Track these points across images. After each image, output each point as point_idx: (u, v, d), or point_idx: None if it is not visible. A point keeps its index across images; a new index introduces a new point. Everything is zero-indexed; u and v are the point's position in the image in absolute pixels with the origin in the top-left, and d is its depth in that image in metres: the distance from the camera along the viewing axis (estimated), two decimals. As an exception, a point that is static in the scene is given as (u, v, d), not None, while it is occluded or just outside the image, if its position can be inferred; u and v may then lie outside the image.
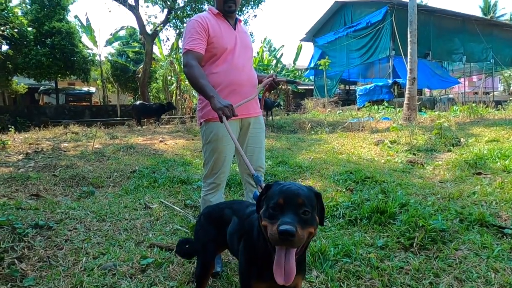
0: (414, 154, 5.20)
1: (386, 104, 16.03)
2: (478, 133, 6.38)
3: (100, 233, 2.64)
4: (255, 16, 16.42)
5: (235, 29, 2.17)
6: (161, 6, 15.19)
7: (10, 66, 16.70)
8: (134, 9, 14.75)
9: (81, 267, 2.14)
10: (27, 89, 20.47)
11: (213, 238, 1.57)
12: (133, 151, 6.15)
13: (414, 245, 2.30)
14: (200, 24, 2.02)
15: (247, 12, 14.51)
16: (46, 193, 3.84)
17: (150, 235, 2.64)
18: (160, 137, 7.89)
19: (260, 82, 2.27)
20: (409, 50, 10.62)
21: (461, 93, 21.71)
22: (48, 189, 3.98)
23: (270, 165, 4.64)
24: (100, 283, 1.96)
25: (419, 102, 14.25)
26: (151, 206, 3.21)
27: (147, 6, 18.95)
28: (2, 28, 8.30)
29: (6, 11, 14.36)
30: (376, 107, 16.11)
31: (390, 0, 16.79)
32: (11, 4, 15.60)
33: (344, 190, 3.52)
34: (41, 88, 22.73)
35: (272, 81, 2.18)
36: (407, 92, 10.61)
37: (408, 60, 10.66)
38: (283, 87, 22.07)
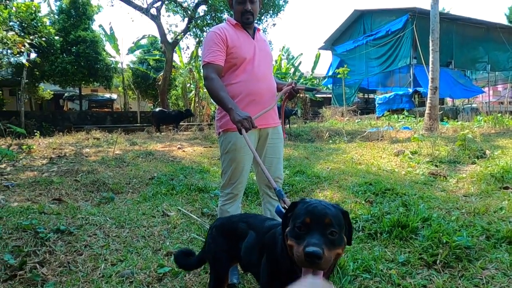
0: (436, 166, 5.05)
1: (406, 113, 15.74)
2: (505, 145, 6.14)
3: (118, 240, 2.67)
4: (274, 24, 16.52)
5: (253, 38, 2.18)
6: (181, 15, 15.52)
7: (37, 73, 17.39)
8: (156, 18, 15.12)
9: (99, 274, 2.16)
10: (52, 95, 21.24)
11: (226, 250, 1.55)
12: (152, 158, 6.24)
13: (438, 262, 2.21)
14: (218, 35, 2.04)
15: (266, 21, 14.62)
16: (67, 197, 3.93)
17: (167, 243, 2.66)
18: (178, 144, 7.98)
19: (279, 90, 2.27)
20: (430, 59, 10.42)
21: (485, 102, 21.05)
22: (70, 194, 4.08)
23: (287, 174, 4.60)
24: (117, 290, 1.97)
25: (441, 112, 13.90)
26: (168, 213, 3.23)
27: (168, 16, 19.49)
28: (31, 37, 8.64)
29: (35, 20, 15.02)
30: (395, 116, 15.82)
31: (412, 8, 16.57)
32: (40, 14, 16.30)
33: (363, 202, 3.44)
34: (66, 94, 23.53)
35: (291, 89, 2.17)
36: (428, 101, 10.37)
37: (430, 69, 10.45)
38: (301, 95, 22.07)
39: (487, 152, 5.31)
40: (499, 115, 10.93)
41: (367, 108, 22.48)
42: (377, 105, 18.90)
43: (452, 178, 4.34)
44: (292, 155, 6.41)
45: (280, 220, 1.33)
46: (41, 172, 5.06)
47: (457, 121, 12.43)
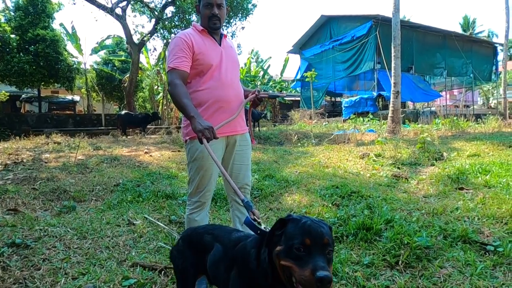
0: (398, 168, 5.27)
1: (371, 116, 16.33)
2: (460, 147, 6.54)
3: (80, 252, 2.55)
4: (242, 28, 16.54)
5: (220, 45, 2.17)
6: (148, 16, 15.18)
7: (-9, 73, 16.28)
8: (121, 18, 14.69)
9: (59, 289, 2.05)
10: (8, 97, 19.98)
11: (192, 263, 1.52)
12: (117, 163, 6.03)
13: (400, 263, 2.30)
14: (184, 41, 2.01)
15: (235, 24, 14.64)
16: (24, 207, 3.71)
17: (133, 253, 2.57)
18: (145, 148, 7.78)
19: (245, 97, 2.27)
20: (393, 65, 10.90)
21: (443, 106, 22.31)
22: (27, 203, 3.84)
23: (256, 179, 4.61)
24: (79, 306, 1.88)
25: (403, 115, 14.55)
26: (134, 222, 3.13)
27: (135, 16, 18.96)
28: (-17, 35, 8.08)
29: (-12, 17, 14.08)
30: (361, 119, 16.39)
31: (375, 16, 17.25)
32: (-7, 11, 15.32)
33: (330, 205, 3.52)
34: (23, 96, 22.22)
35: (255, 97, 2.17)
36: (391, 105, 10.84)
37: (392, 74, 10.93)
38: (270, 100, 22.30)
39: (445, 154, 5.63)
40: (455, 118, 11.64)
41: (334, 111, 23.09)
42: (343, 108, 19.48)
43: (413, 179, 4.56)
44: (262, 159, 6.44)
45: (249, 231, 1.32)
46: (-6, 180, 4.74)
47: (418, 124, 13.06)
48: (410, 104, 22.48)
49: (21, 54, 16.44)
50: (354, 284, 2.13)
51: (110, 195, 4.19)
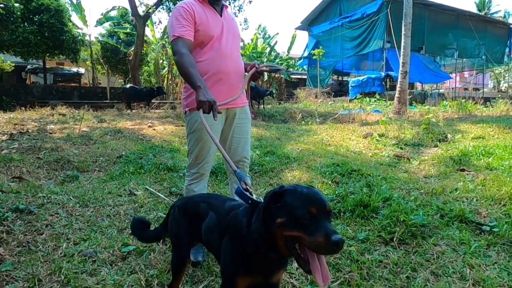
0: (401, 148, 5.25)
1: (377, 97, 16.12)
2: (465, 129, 6.47)
3: (82, 219, 2.61)
4: (250, 1, 16.13)
5: (221, 16, 2.12)
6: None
7: (-4, 43, 16.19)
8: (126, -11, 14.34)
9: (61, 253, 2.12)
10: (13, 67, 19.92)
11: (187, 231, 1.55)
12: (120, 136, 6.07)
13: (395, 239, 2.33)
14: (186, 10, 1.97)
15: (242, -3, 14.26)
16: (29, 176, 3.78)
17: (133, 222, 2.63)
18: (149, 122, 7.80)
19: (246, 71, 2.24)
20: (402, 44, 10.63)
21: (452, 88, 21.92)
22: (32, 171, 3.92)
23: (258, 154, 4.63)
24: (79, 269, 1.95)
25: (410, 96, 14.34)
26: (135, 192, 3.18)
27: (140, -13, 18.47)
28: (-14, 3, 7.97)
29: (-9, -15, 13.85)
30: (367, 99, 16.19)
31: (387, -8, 16.69)
32: (-3, -22, 15.05)
33: (330, 182, 3.54)
34: (29, 67, 22.15)
35: (255, 70, 2.14)
36: (398, 85, 10.66)
37: (401, 53, 10.68)
38: (276, 75, 21.98)
39: (449, 136, 5.58)
40: (463, 100, 11.44)
41: (340, 90, 22.80)
42: (350, 87, 19.20)
43: (415, 160, 4.54)
44: (264, 136, 6.44)
45: (240, 200, 1.34)
46: (0, 149, 4.80)
47: (425, 106, 12.90)
48: (418, 85, 22.08)
49: (25, 24, 16.24)
50: (348, 258, 2.17)
51: (112, 166, 4.24)
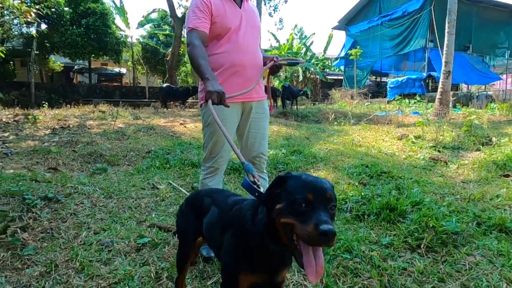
0: (439, 151, 4.92)
1: (418, 98, 15.35)
2: (513, 133, 5.95)
3: (105, 210, 2.68)
4: (285, 1, 16.03)
5: (241, 7, 2.07)
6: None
7: (47, 44, 17.39)
8: (165, -9, 14.81)
9: (80, 241, 2.17)
10: (63, 68, 21.31)
11: (192, 226, 1.51)
12: (152, 132, 6.24)
13: (422, 246, 2.16)
14: (203, 2, 1.94)
15: (278, -3, 14.19)
16: (64, 167, 3.97)
17: (153, 215, 2.66)
18: (181, 120, 7.96)
19: (265, 64, 2.17)
20: (445, 42, 10.04)
21: (502, 90, 20.36)
22: (67, 163, 4.12)
23: (284, 153, 4.54)
24: (95, 258, 1.98)
25: (454, 98, 13.53)
26: (158, 186, 3.23)
27: (179, -11, 19.04)
28: (36, 7, 8.56)
29: (44, -10, 14.87)
30: (407, 101, 15.47)
31: (431, -12, 15.87)
32: (49, -16, 16.12)
33: (356, 184, 3.38)
34: (76, 67, 23.58)
35: (273, 64, 2.07)
36: (440, 86, 10.08)
37: (444, 52, 10.09)
38: (312, 76, 21.65)
39: (494, 139, 5.15)
40: (514, 103, 10.57)
41: (378, 91, 22.02)
42: (388, 88, 18.47)
43: (453, 164, 4.23)
44: (293, 135, 6.33)
45: (247, 194, 1.28)
46: (42, 142, 5.11)
47: (470, 108, 12.08)
48: (464, 86, 20.75)
49: (73, 26, 17.31)
50: (368, 263, 2.03)
51: (141, 160, 4.36)
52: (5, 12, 10.85)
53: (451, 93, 12.25)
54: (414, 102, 14.73)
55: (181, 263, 1.56)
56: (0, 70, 18.23)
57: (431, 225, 2.30)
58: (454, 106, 12.68)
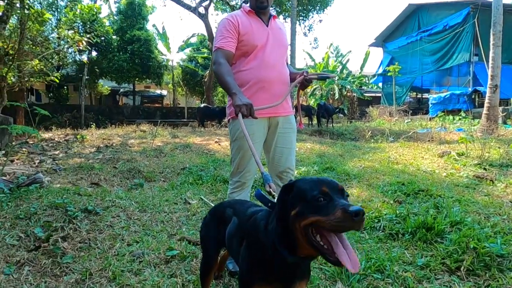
0: (485, 169, 4.60)
1: (463, 115, 14.55)
2: None
3: (139, 223, 2.79)
4: (320, 21, 16.17)
5: (268, 26, 2.14)
6: (228, 13, 15.81)
7: (97, 70, 18.82)
8: (203, 17, 15.58)
9: (114, 252, 2.27)
10: (110, 91, 22.84)
11: (214, 236, 1.54)
12: (188, 150, 6.44)
13: (462, 268, 2.01)
14: (231, 22, 2.04)
15: (312, 17, 14.37)
16: (105, 182, 4.20)
17: (183, 229, 2.72)
18: (216, 138, 8.15)
19: (293, 80, 2.20)
20: (491, 55, 9.54)
21: (560, 105, 18.71)
22: (108, 179, 4.35)
23: (316, 170, 4.47)
24: (126, 268, 2.06)
25: (504, 113, 12.65)
26: (190, 201, 3.31)
27: (217, 14, 19.89)
28: (87, 36, 9.35)
29: (96, 21, 16.24)
30: (451, 117, 14.70)
31: (473, 1, 15.27)
32: (100, 15, 17.59)
33: (391, 202, 3.24)
34: (121, 90, 25.16)
35: (303, 79, 2.09)
36: (487, 100, 9.52)
37: (490, 65, 9.57)
38: (348, 94, 21.36)
39: (548, 156, 4.73)
40: None
41: (419, 108, 21.15)
42: (430, 105, 17.69)
43: (501, 182, 3.93)
44: (327, 152, 6.23)
45: (261, 205, 1.29)
46: (87, 159, 5.46)
47: (522, 124, 11.22)
48: (515, 102, 19.38)
49: (120, 53, 18.64)
50: (401, 284, 1.93)
51: (176, 177, 4.50)
52: (62, 42, 11.95)
53: (500, 108, 11.48)
54: (459, 119, 13.95)
55: (204, 274, 1.58)
56: (56, 94, 19.92)
57: (472, 246, 2.13)
58: (504, 123, 11.85)
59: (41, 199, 3.04)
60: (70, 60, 17.50)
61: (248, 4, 2.19)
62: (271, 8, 2.21)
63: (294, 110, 2.30)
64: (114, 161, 5.30)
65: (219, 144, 7.19)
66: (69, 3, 17.75)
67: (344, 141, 9.17)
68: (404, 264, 2.13)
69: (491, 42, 9.56)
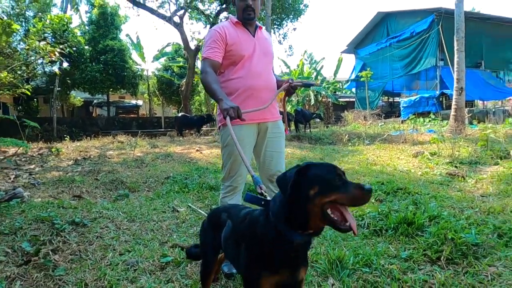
0: (456, 166, 4.88)
1: (432, 116, 15.25)
2: (532, 146, 5.84)
3: (128, 232, 2.78)
4: (294, 29, 16.58)
5: (254, 36, 2.24)
6: (204, 22, 15.92)
7: (69, 81, 18.32)
8: (178, 26, 15.57)
9: (107, 262, 2.27)
10: (82, 102, 22.26)
11: (211, 241, 1.60)
12: (170, 159, 6.42)
13: (442, 258, 2.16)
14: (218, 33, 2.13)
15: (286, 25, 14.70)
16: (87, 195, 4.13)
17: (174, 236, 2.74)
18: (197, 147, 8.15)
19: (279, 87, 2.30)
20: (455, 59, 10.12)
21: (521, 105, 19.96)
22: (90, 191, 4.28)
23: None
24: (121, 277, 2.07)
25: (470, 114, 13.38)
26: (178, 209, 3.33)
27: (192, 23, 20.00)
28: (61, 46, 9.16)
29: (67, 31, 15.87)
30: (421, 119, 15.37)
31: (437, 9, 16.14)
32: (71, 25, 17.21)
33: (373, 201, 3.40)
34: (95, 101, 24.58)
35: (288, 86, 2.20)
36: (454, 103, 10.06)
37: (455, 69, 10.14)
38: (324, 99, 21.87)
39: (511, 152, 5.08)
40: (532, 116, 10.39)
41: (391, 111, 21.98)
42: (402, 108, 18.44)
43: (471, 178, 4.19)
44: (307, 156, 6.39)
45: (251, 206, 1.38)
46: (65, 172, 5.33)
47: (486, 124, 11.89)
48: (480, 103, 20.50)
49: (93, 63, 18.26)
50: (388, 276, 2.04)
51: (160, 186, 4.49)
52: (31, 52, 11.60)
53: (466, 109, 12.14)
54: (429, 120, 14.62)
55: (205, 277, 1.63)
56: (25, 107, 19.21)
57: (450, 237, 2.30)
58: (471, 123, 12.52)
59: (24, 213, 2.98)
60: (40, 72, 16.98)
61: (235, 16, 2.28)
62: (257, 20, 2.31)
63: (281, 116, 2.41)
64: (94, 173, 5.21)
65: (201, 152, 7.21)
66: (40, 14, 17.28)
67: (323, 145, 9.39)
68: (389, 257, 2.26)
69: (455, 47, 10.14)
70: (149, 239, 2.66)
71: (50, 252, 2.29)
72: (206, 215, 3.18)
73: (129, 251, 2.44)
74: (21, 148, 6.40)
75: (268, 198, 1.31)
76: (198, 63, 19.62)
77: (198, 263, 2.26)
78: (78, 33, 18.42)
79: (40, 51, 9.31)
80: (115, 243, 2.57)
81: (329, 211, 1.13)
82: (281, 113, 2.49)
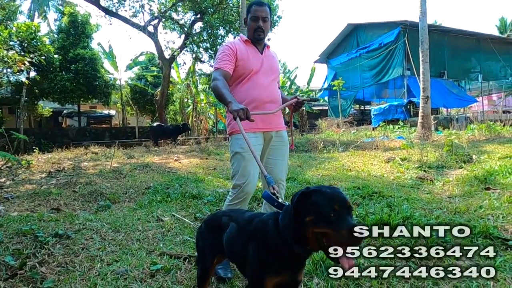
0: (424, 171, 5.20)
1: (401, 124, 15.97)
2: (492, 150, 6.32)
3: (114, 243, 2.79)
4: (268, 39, 16.88)
5: (262, 53, 2.43)
6: (178, 32, 15.94)
7: (36, 91, 17.67)
8: (153, 35, 15.51)
9: (95, 272, 2.28)
10: (51, 113, 21.49)
11: (210, 244, 1.68)
12: (148, 169, 6.37)
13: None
14: (230, 48, 2.32)
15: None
16: (66, 207, 4.06)
17: (161, 245, 2.78)
18: (175, 157, 8.13)
19: (284, 102, 2.47)
20: (421, 69, 10.72)
21: (480, 112, 21.33)
22: (68, 203, 4.20)
23: (279, 181, 4.74)
24: (112, 286, 2.09)
25: (435, 121, 14.13)
26: (163, 219, 3.36)
27: (166, 33, 19.88)
28: (31, 56, 8.89)
29: (35, 40, 15.39)
30: (391, 126, 16.06)
31: (403, 22, 17.03)
32: (40, 34, 16.69)
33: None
34: (65, 111, 23.79)
35: (296, 100, 2.36)
36: (421, 110, 10.63)
37: (421, 79, 10.74)
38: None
39: (474, 157, 5.48)
40: (491, 123, 11.15)
41: (363, 119, 22.76)
42: (372, 116, 19.18)
43: (439, 181, 4.49)
44: (286, 164, 6.56)
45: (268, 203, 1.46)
46: (40, 185, 5.18)
47: (450, 130, 12.62)
48: (444, 110, 21.71)
49: (63, 72, 17.74)
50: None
51: (141, 196, 4.48)
52: (-3, 62, 11.14)
53: (432, 117, 12.84)
54: (398, 127, 15.30)
55: (202, 279, 1.71)
56: (-11, 118, 18.27)
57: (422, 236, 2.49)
58: (437, 129, 13.23)
59: (3, 227, 2.91)
60: (5, 81, 16.29)
61: (246, 35, 2.48)
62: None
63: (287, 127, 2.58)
64: (71, 185, 5.10)
65: (180, 162, 7.20)
66: (7, 22, 16.64)
67: (299, 153, 9.61)
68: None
69: (420, 58, 10.78)
70: (136, 249, 2.68)
71: (37, 265, 2.27)
72: (191, 223, 3.26)
73: (117, 261, 2.46)
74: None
75: (281, 200, 1.42)
76: (173, 73, 19.55)
77: (187, 269, 2.33)
78: (47, 42, 17.86)
79: (9, 61, 9.00)
80: (102, 253, 2.57)
81: (324, 240, 1.18)
82: (288, 125, 2.66)
